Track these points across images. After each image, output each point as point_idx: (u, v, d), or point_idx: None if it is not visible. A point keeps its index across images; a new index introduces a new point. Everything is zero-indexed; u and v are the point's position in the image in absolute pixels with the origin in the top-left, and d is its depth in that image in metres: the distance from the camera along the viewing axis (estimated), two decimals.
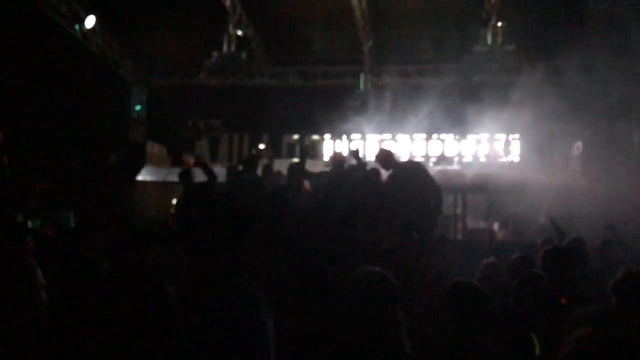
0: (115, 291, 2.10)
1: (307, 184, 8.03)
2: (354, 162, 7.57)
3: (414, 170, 7.18)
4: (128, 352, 1.90)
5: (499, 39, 11.07)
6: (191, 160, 8.57)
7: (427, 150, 13.12)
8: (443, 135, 13.02)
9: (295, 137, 14.72)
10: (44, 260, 3.83)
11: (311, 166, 8.49)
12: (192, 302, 2.22)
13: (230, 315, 1.89)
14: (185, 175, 8.32)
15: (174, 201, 9.37)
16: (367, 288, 2.69)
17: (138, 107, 15.08)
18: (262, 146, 11.16)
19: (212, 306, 1.94)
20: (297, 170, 7.65)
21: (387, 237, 6.33)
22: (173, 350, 1.88)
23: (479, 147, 12.91)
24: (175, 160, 13.45)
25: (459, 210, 11.72)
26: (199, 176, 8.33)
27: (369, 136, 13.40)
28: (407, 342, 2.63)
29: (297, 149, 14.30)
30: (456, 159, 12.98)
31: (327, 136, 13.72)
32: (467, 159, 12.86)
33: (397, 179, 7.15)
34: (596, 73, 12.01)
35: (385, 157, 7.29)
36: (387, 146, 8.57)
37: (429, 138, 13.07)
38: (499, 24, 11.14)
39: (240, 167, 8.85)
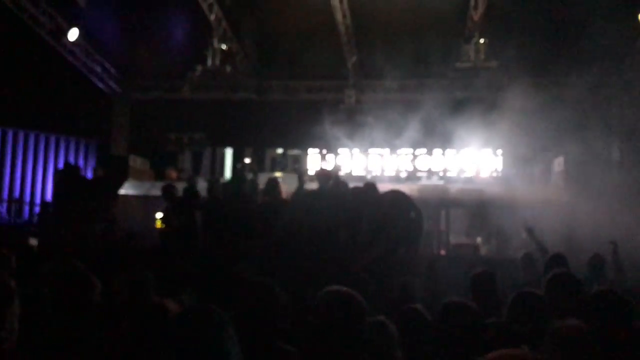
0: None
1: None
2: (339, 178, 7.57)
3: (395, 200, 7.19)
4: None
5: (482, 56, 11.19)
6: (174, 175, 8.56)
7: (413, 165, 13.16)
8: (426, 150, 13.08)
9: (279, 151, 14.72)
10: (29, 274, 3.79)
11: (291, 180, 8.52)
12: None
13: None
14: (169, 190, 8.29)
15: (158, 215, 9.28)
16: (331, 310, 2.62)
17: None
18: (247, 160, 11.14)
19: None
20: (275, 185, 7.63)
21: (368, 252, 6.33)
22: None
23: (462, 162, 12.98)
24: (158, 174, 13.36)
25: (442, 226, 11.74)
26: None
27: (353, 151, 13.41)
28: None
29: (280, 163, 14.30)
30: (440, 173, 13.04)
31: (311, 151, 13.72)
32: (451, 173, 12.91)
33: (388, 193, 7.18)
34: (577, 90, 12.16)
35: (323, 176, 7.34)
36: (326, 166, 8.71)
37: (413, 153, 13.12)
38: (482, 40, 11.28)
39: (223, 181, 8.87)
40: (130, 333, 2.64)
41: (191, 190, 8.28)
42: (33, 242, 8.71)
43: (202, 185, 8.63)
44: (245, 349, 1.87)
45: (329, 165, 8.13)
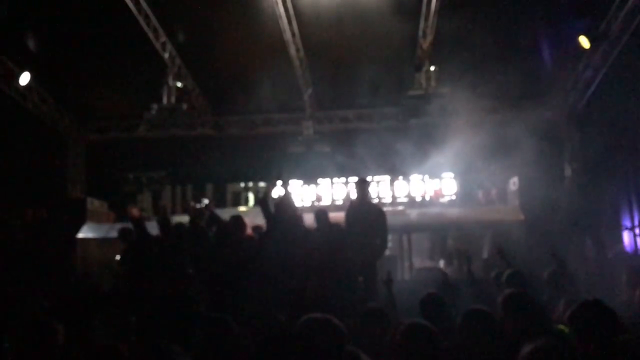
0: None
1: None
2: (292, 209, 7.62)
3: (367, 211, 7.28)
4: None
5: (433, 83, 11.47)
6: (136, 212, 8.46)
7: (374, 192, 13.29)
8: (386, 177, 13.25)
9: (242, 185, 14.72)
10: None
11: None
12: None
13: None
14: (126, 232, 8.20)
15: (117, 257, 9.13)
16: (312, 336, 2.64)
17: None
18: (206, 200, 11.09)
19: None
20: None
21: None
22: None
23: (420, 188, 13.17)
24: (118, 215, 13.17)
25: (405, 250, 11.86)
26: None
27: (314, 181, 13.51)
28: None
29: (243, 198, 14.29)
30: (400, 199, 13.18)
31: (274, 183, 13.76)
32: (409, 199, 13.07)
33: (353, 218, 7.25)
34: (526, 111, 12.55)
35: (283, 203, 7.43)
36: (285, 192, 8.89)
37: (372, 180, 13.27)
38: (432, 68, 11.57)
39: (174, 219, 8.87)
40: None
41: (166, 221, 8.21)
42: None
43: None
44: None
45: (287, 197, 8.20)
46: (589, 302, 3.45)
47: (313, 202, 13.13)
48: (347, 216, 7.30)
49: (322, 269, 6.48)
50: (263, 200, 7.64)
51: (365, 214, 7.13)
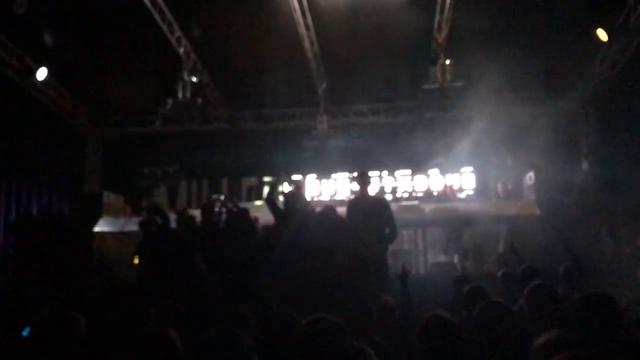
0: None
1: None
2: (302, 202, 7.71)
3: (370, 203, 7.28)
4: None
5: (448, 77, 11.41)
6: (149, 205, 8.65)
7: (389, 187, 13.29)
8: (401, 171, 13.23)
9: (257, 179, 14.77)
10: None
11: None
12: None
13: None
14: (147, 223, 8.30)
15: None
16: (315, 336, 2.63)
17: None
18: (222, 197, 11.20)
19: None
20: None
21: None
22: None
23: (435, 182, 13.14)
24: (134, 209, 13.28)
25: (419, 245, 11.84)
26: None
27: (327, 176, 13.52)
28: None
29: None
30: (415, 194, 13.17)
31: (288, 178, 13.81)
32: (426, 193, 13.05)
33: (356, 211, 7.25)
34: (542, 105, 12.45)
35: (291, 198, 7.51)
36: (293, 188, 9.03)
37: (388, 175, 13.25)
38: (447, 61, 11.51)
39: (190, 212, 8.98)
40: None
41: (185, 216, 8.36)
42: None
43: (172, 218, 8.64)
44: None
45: (296, 189, 8.33)
46: (592, 294, 3.41)
47: (331, 196, 13.16)
48: (349, 210, 7.31)
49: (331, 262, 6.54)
50: (269, 199, 7.80)
51: (368, 207, 7.12)
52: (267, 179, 14.50)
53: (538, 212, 10.97)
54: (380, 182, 13.14)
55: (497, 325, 3.53)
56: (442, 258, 11.49)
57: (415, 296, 5.32)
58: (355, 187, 9.67)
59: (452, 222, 11.04)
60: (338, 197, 12.95)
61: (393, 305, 4.88)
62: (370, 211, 7.07)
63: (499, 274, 6.19)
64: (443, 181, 13.07)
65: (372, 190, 8.05)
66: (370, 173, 7.92)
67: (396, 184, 13.23)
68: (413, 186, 13.17)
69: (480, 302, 3.81)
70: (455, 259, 11.16)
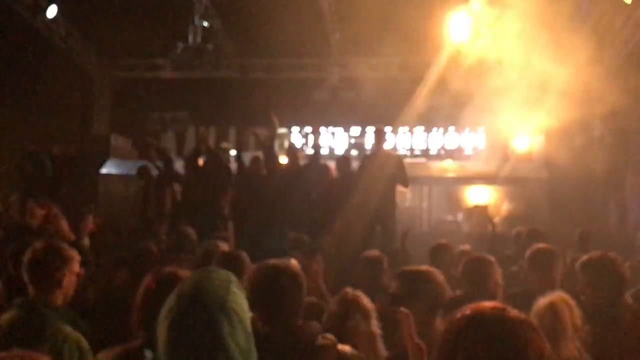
0: None
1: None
2: (310, 156, 7.68)
3: (385, 160, 7.27)
4: None
5: None
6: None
7: (396, 143, 13.19)
8: (408, 128, 13.10)
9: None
10: None
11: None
12: None
13: None
14: (144, 170, 8.29)
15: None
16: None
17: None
18: (225, 144, 11.16)
19: None
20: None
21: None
22: None
23: (443, 140, 13.02)
24: (141, 152, 13.28)
25: (425, 203, 11.84)
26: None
27: (337, 129, 13.43)
28: None
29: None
30: (422, 151, 13.08)
31: (295, 129, 13.74)
32: (433, 151, 12.96)
33: (365, 169, 7.23)
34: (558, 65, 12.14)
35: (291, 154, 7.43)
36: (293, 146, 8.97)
37: (395, 131, 13.14)
38: None
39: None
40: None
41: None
42: None
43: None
44: None
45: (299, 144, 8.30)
46: (598, 255, 3.57)
47: (346, 149, 13.11)
48: (362, 165, 7.29)
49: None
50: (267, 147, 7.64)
51: (382, 163, 7.10)
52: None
53: (546, 175, 10.90)
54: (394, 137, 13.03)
55: (479, 282, 3.56)
56: (448, 217, 11.51)
57: (415, 253, 5.36)
58: (369, 141, 9.57)
59: (458, 180, 11.00)
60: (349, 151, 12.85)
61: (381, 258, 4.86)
62: (384, 168, 7.08)
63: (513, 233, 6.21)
64: (451, 139, 12.94)
65: (386, 145, 8.01)
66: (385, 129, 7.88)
67: (404, 139, 13.13)
68: (427, 143, 13.03)
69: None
70: (460, 217, 11.17)
